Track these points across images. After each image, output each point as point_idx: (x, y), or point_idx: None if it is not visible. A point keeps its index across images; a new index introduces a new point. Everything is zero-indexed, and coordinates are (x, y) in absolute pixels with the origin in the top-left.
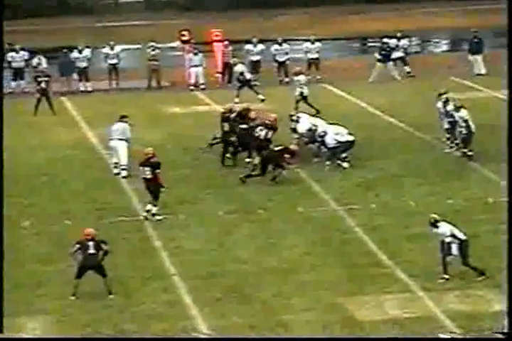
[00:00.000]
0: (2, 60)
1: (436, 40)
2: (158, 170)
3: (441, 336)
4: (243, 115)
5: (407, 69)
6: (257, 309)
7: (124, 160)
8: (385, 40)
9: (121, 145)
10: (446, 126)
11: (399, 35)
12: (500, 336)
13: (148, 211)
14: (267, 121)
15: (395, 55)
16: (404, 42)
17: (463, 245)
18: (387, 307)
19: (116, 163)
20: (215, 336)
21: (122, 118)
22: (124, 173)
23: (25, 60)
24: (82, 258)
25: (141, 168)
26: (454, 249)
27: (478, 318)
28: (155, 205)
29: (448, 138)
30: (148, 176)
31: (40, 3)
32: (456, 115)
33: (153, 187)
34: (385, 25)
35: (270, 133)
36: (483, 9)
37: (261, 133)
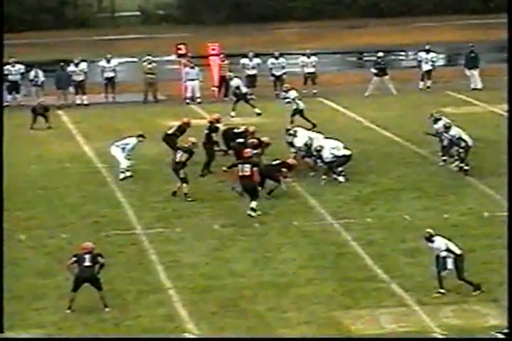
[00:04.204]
0: (2, 73)
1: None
2: (255, 168)
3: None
4: (182, 129)
5: (429, 83)
6: (252, 323)
7: (122, 163)
8: (420, 53)
9: (113, 150)
10: (444, 143)
11: (427, 47)
12: (500, 336)
13: (252, 209)
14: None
15: (424, 67)
16: (432, 55)
17: (458, 259)
18: (382, 321)
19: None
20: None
21: (139, 136)
22: (121, 175)
23: (21, 74)
24: (78, 271)
25: (240, 165)
26: (450, 263)
27: (474, 333)
28: (254, 200)
29: (443, 154)
30: (247, 173)
31: (37, 17)
32: (447, 135)
33: (249, 183)
34: (382, 40)
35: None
36: (479, 24)
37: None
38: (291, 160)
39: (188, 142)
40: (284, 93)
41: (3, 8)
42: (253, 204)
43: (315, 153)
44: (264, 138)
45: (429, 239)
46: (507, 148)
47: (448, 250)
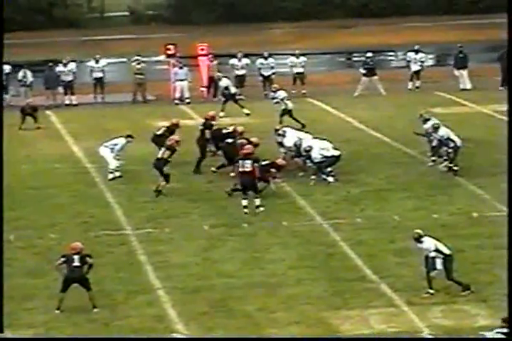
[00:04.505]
0: (1, 74)
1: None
2: (256, 164)
3: None
4: (171, 130)
5: (418, 83)
6: (242, 323)
7: (111, 163)
8: (409, 53)
9: (102, 151)
10: (434, 143)
11: (416, 47)
12: (500, 336)
13: (258, 206)
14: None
15: (413, 68)
16: (421, 55)
17: (447, 260)
18: (372, 321)
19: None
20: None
21: (127, 136)
22: (109, 176)
23: (6, 74)
24: (67, 271)
25: (240, 161)
26: (439, 263)
27: (464, 333)
28: (257, 197)
29: (433, 154)
30: (248, 169)
31: (26, 17)
32: (436, 135)
33: (250, 179)
34: (372, 40)
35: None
36: (469, 24)
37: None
38: (280, 161)
39: (171, 140)
40: (272, 93)
41: (3, 11)
42: (258, 201)
43: (304, 154)
44: (253, 139)
45: (418, 239)
46: (507, 149)
47: (437, 250)
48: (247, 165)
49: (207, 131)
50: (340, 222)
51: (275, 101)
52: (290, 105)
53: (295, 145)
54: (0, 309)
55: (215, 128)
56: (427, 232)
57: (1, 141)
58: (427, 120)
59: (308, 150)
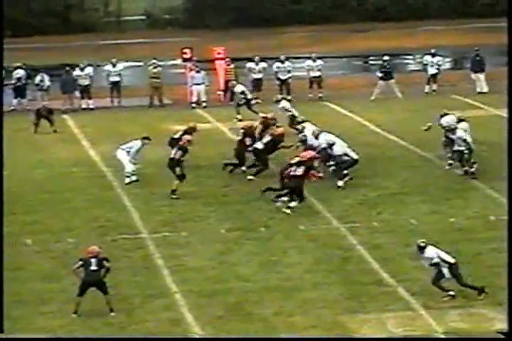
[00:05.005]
0: (2, 78)
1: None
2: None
3: None
4: (188, 134)
5: (434, 87)
6: (259, 327)
7: (127, 167)
8: (426, 57)
9: (119, 154)
10: (455, 147)
11: (433, 51)
12: (500, 336)
13: (289, 207)
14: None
15: (430, 71)
16: (438, 58)
17: (453, 268)
18: (388, 325)
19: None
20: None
21: (144, 138)
22: (126, 180)
23: (18, 78)
24: (84, 275)
25: (294, 167)
26: (446, 272)
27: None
28: (293, 200)
29: (450, 157)
30: (299, 173)
31: (43, 21)
32: (453, 136)
33: (297, 183)
34: (388, 43)
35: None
36: (485, 27)
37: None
38: (303, 154)
39: (183, 139)
40: (277, 104)
41: (3, 11)
42: (293, 204)
43: (324, 146)
44: (279, 129)
45: (422, 249)
46: (507, 151)
47: (441, 259)
48: (300, 170)
49: (247, 139)
50: (356, 225)
51: (284, 110)
52: (296, 113)
53: (314, 135)
54: (0, 309)
55: (246, 127)
56: (444, 236)
57: (1, 143)
58: (461, 120)
59: (332, 144)
